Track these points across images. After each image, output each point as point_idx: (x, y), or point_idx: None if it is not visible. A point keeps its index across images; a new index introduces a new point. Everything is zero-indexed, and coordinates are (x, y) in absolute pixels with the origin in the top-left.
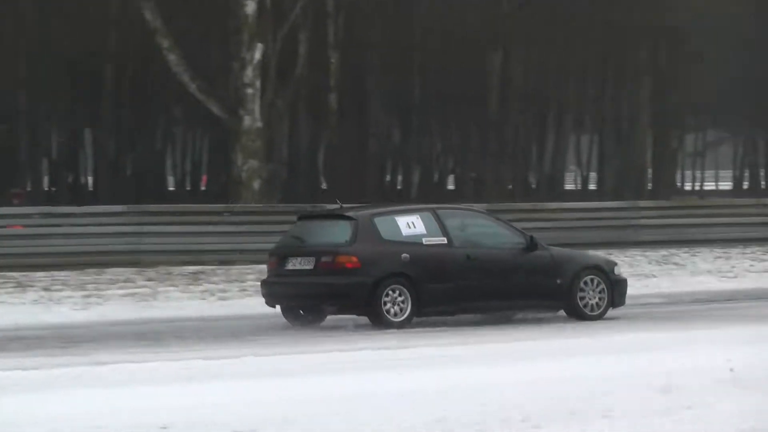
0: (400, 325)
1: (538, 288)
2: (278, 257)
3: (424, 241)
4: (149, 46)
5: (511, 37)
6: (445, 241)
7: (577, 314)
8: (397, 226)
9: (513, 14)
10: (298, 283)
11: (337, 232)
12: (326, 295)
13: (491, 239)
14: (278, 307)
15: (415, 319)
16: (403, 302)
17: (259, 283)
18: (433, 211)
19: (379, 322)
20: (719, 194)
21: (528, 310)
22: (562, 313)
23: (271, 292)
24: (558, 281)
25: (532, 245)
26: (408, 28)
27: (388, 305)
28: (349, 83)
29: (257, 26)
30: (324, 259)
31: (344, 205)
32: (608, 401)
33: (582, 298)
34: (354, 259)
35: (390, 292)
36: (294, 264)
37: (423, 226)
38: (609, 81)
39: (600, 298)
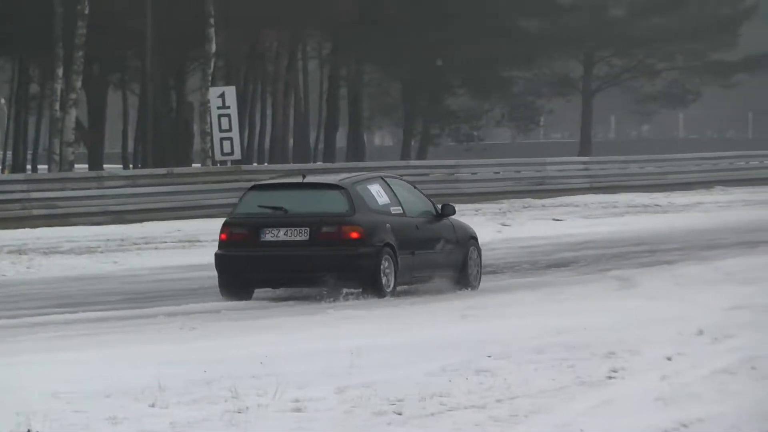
0: (390, 295)
1: (449, 257)
2: (248, 228)
3: (391, 210)
4: None
5: None
6: (401, 211)
7: (467, 285)
8: (373, 196)
9: None
10: (288, 255)
11: (330, 202)
12: (329, 267)
13: (418, 207)
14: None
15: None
16: (389, 273)
17: (216, 256)
18: (382, 179)
19: (376, 292)
20: None
21: (443, 281)
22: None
23: (243, 265)
24: (459, 251)
25: (442, 213)
26: None
27: (382, 275)
28: None
29: None
30: (325, 229)
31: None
32: None
33: (471, 268)
34: (360, 229)
35: (384, 262)
36: (275, 235)
37: (385, 196)
38: None
39: (478, 270)
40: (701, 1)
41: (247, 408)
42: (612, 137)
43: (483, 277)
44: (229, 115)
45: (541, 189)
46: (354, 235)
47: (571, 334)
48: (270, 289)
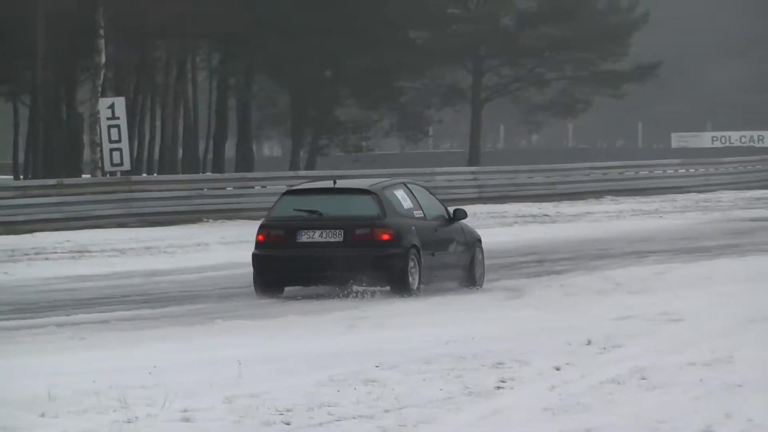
0: (415, 294)
1: (460, 258)
2: (285, 230)
3: (414, 214)
4: None
5: None
6: (422, 215)
7: (474, 284)
8: (399, 201)
9: None
10: (324, 255)
11: (362, 206)
12: (363, 266)
13: (435, 211)
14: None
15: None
16: (414, 272)
17: (254, 256)
18: (405, 185)
19: (404, 290)
20: None
21: (456, 281)
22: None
23: (279, 264)
24: (468, 252)
25: (454, 217)
26: None
27: (409, 275)
28: None
29: None
30: (359, 231)
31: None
32: None
33: (477, 268)
34: (391, 231)
35: (410, 263)
36: (311, 236)
37: (409, 200)
38: None
39: (482, 270)
40: (591, 10)
41: (136, 418)
42: (501, 147)
43: (373, 288)
44: (118, 126)
45: None
46: (385, 237)
47: (460, 344)
48: (302, 287)
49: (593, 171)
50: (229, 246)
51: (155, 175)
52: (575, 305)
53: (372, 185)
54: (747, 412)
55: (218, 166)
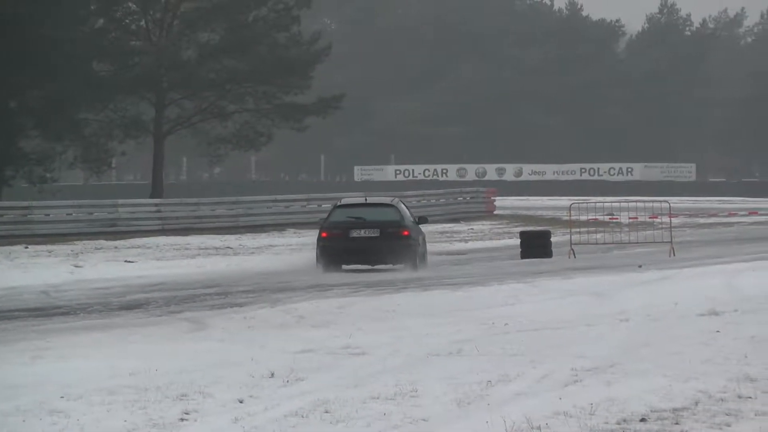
0: (419, 270)
1: (423, 248)
2: (341, 229)
3: (411, 218)
4: None
5: None
6: (412, 219)
7: (424, 266)
8: (405, 210)
9: None
10: (367, 245)
11: (388, 213)
12: (392, 252)
13: (411, 217)
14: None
15: None
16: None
17: (320, 246)
18: (400, 201)
19: (415, 268)
20: None
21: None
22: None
23: (339, 250)
24: (424, 245)
25: (418, 222)
26: None
27: (417, 258)
28: None
29: None
30: (390, 230)
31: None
32: None
33: (425, 257)
34: (408, 229)
35: (418, 250)
36: (359, 233)
37: (406, 209)
38: None
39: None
40: (272, 43)
41: None
42: (184, 179)
43: (56, 319)
44: None
45: (114, 230)
46: (405, 233)
47: (143, 376)
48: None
49: (276, 204)
50: None
51: None
52: (258, 338)
53: (391, 201)
54: None
55: None
